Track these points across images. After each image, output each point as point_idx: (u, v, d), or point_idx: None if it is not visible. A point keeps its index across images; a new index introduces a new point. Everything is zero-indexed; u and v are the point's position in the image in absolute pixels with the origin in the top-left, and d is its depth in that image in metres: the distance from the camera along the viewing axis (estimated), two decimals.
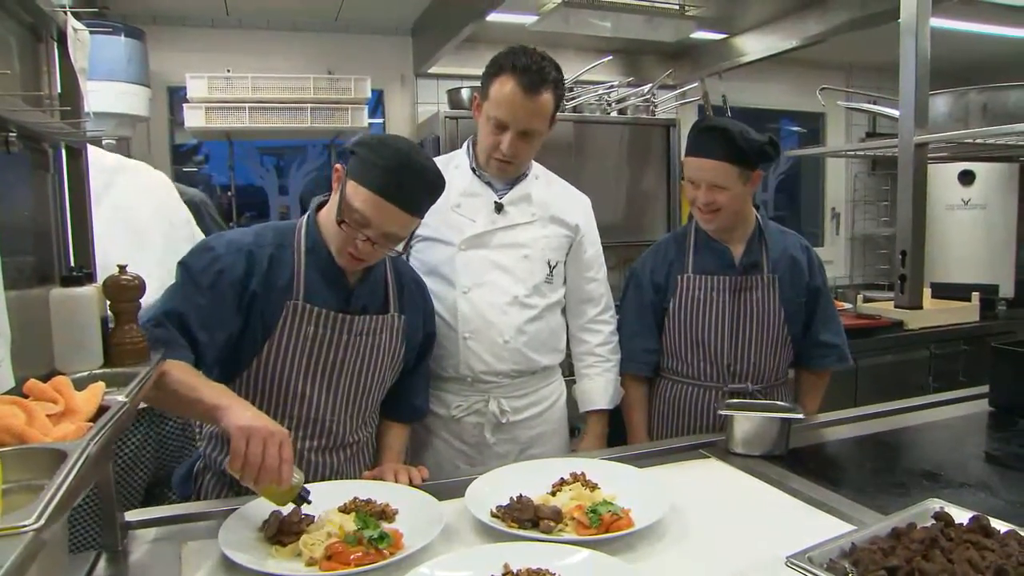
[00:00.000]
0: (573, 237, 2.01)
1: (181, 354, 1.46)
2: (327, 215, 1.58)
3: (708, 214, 1.96)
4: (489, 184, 1.94)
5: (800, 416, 1.78)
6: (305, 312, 1.55)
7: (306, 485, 1.36)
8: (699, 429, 2.04)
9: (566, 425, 2.11)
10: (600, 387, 2.06)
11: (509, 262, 1.90)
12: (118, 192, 1.99)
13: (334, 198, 1.55)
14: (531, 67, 1.76)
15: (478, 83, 1.89)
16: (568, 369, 2.13)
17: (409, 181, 1.47)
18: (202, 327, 1.51)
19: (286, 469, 1.29)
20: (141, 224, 1.85)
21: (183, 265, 1.55)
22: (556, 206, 1.99)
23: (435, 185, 1.53)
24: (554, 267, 1.97)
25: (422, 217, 1.57)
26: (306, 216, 1.64)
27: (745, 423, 1.75)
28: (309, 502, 1.35)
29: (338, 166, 1.55)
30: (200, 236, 2.35)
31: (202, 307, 1.50)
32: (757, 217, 2.06)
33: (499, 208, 1.91)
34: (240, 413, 1.32)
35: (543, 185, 2.00)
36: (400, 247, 1.56)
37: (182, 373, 1.41)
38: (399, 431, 1.81)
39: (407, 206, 1.48)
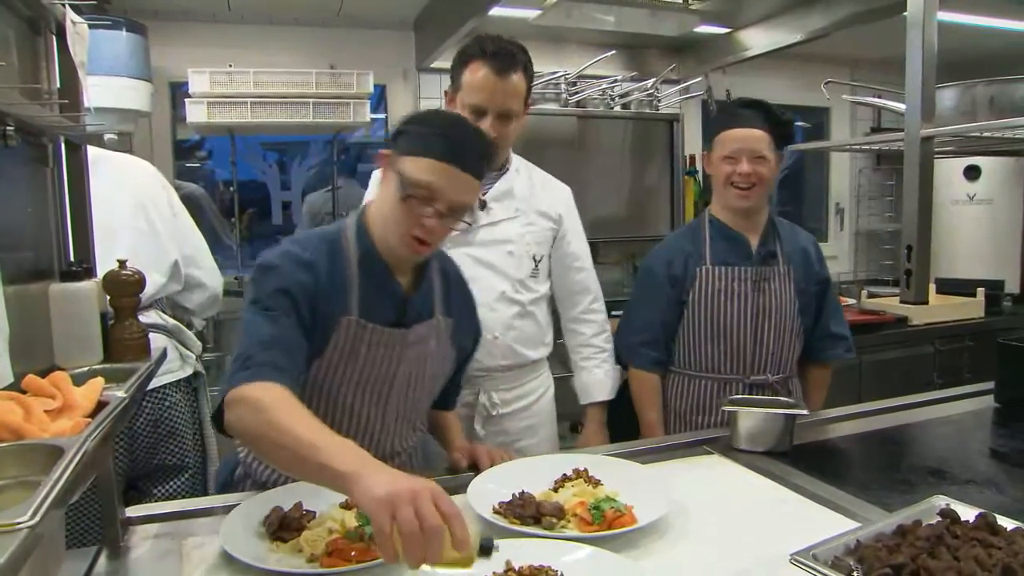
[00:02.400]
0: (557, 229, 2.03)
1: (283, 379, 1.26)
2: (378, 213, 1.47)
3: (747, 190, 1.95)
4: None
5: (804, 412, 1.77)
6: (360, 329, 1.45)
7: None
8: (718, 426, 2.01)
9: (555, 417, 2.12)
10: (600, 379, 2.08)
11: (494, 258, 1.92)
12: (95, 183, 1.97)
13: (383, 192, 1.46)
14: (500, 51, 1.81)
15: None
16: (556, 362, 2.14)
17: (469, 142, 1.42)
18: (294, 354, 1.36)
19: (458, 524, 0.98)
20: (114, 219, 1.81)
21: (253, 298, 1.39)
22: (538, 199, 2.01)
23: (491, 145, 1.49)
24: (539, 261, 1.98)
25: (481, 183, 1.47)
26: (354, 221, 1.51)
27: (749, 419, 1.74)
28: (496, 549, 1.08)
29: (383, 151, 1.46)
30: (190, 224, 2.30)
31: (286, 332, 1.35)
32: (769, 209, 2.09)
33: (482, 205, 1.92)
34: (373, 481, 1.00)
35: (524, 178, 2.02)
36: (467, 219, 1.47)
37: (293, 419, 1.15)
38: (451, 415, 1.79)
39: (471, 168, 1.40)
